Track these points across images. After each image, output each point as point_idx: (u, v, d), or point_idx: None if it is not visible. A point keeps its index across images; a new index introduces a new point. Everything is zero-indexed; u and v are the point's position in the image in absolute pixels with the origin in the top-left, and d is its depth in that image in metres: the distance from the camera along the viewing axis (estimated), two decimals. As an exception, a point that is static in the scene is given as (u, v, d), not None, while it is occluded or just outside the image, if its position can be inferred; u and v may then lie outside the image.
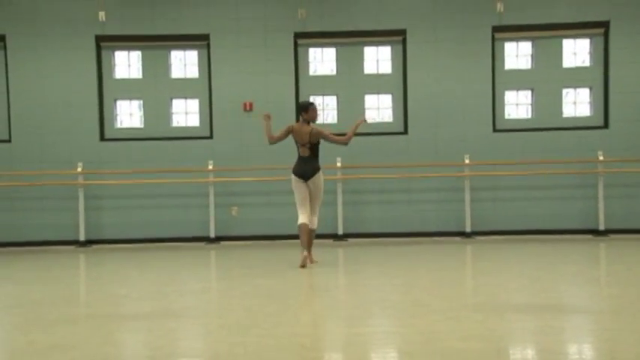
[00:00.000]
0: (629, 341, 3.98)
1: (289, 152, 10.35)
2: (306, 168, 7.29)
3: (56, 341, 4.23)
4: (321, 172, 7.35)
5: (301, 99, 10.66)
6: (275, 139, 7.49)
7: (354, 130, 7.43)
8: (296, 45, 10.66)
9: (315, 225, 7.40)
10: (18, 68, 10.54)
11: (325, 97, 10.84)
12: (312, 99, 10.77)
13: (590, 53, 10.62)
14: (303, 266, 7.12)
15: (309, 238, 7.29)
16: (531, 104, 10.74)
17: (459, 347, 3.86)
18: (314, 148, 7.36)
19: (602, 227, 10.17)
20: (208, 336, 4.39)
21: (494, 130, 10.56)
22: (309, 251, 7.29)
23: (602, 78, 10.55)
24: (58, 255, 9.48)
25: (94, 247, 10.32)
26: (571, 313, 4.83)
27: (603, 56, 10.53)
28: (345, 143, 7.53)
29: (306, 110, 7.38)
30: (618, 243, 9.43)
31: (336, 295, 5.77)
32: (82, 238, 10.33)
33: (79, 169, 10.32)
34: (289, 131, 7.43)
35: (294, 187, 7.35)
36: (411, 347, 3.96)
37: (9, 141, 10.58)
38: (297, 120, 7.67)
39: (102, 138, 10.67)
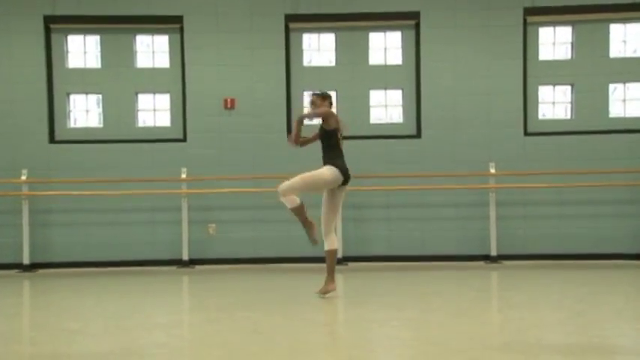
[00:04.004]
0: (687, 389, 3.98)
1: (277, 159, 10.41)
2: None
3: (-6, 386, 4.22)
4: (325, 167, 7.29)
5: (293, 94, 10.70)
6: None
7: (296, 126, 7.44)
8: (287, 30, 10.69)
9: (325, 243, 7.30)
10: (-49, 55, 10.57)
11: (322, 93, 10.87)
12: (305, 94, 10.80)
13: (643, 41, 10.70)
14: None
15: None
16: (571, 102, 10.78)
17: (483, 395, 3.86)
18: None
19: (656, 251, 10.22)
20: (179, 380, 4.39)
21: (526, 133, 10.59)
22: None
23: (657, 70, 10.64)
24: (-3, 281, 9.47)
25: (41, 271, 10.29)
26: (619, 355, 4.83)
27: (657, 45, 10.61)
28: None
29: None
30: (675, 270, 9.46)
31: (334, 332, 5.76)
32: (26, 260, 10.30)
33: (24, 178, 10.31)
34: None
35: None
36: (424, 395, 3.96)
37: (-61, 143, 10.58)
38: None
39: (51, 140, 10.66)
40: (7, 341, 5.59)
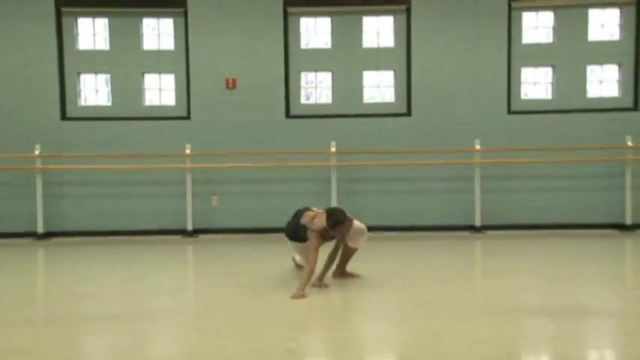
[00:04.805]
0: (654, 347, 4.05)
1: (275, 136, 10.44)
2: None
3: (12, 345, 4.27)
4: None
5: (291, 75, 10.67)
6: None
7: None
8: (286, 14, 10.65)
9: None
10: (-33, 37, 10.52)
11: (318, 74, 10.85)
12: (303, 75, 10.79)
13: (620, 25, 10.64)
14: None
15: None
16: (552, 83, 10.78)
17: (465, 352, 3.92)
18: None
19: (629, 221, 10.24)
20: (184, 340, 4.44)
21: (509, 111, 10.59)
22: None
23: (633, 53, 10.59)
24: (13, 249, 9.48)
25: (54, 240, 10.32)
26: (591, 316, 4.90)
27: (635, 29, 10.56)
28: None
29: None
30: (647, 240, 9.53)
31: (328, 296, 5.81)
32: (40, 229, 10.33)
33: (37, 152, 10.31)
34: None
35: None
36: (411, 352, 4.02)
37: (-43, 120, 10.57)
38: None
39: (63, 117, 10.64)
40: (24, 304, 5.64)
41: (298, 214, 6.43)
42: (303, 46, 10.81)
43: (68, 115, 10.67)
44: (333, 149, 10.23)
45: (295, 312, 5.19)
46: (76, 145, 10.48)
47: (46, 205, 10.39)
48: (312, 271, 5.82)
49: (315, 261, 5.91)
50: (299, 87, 10.76)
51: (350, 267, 6.65)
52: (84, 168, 10.43)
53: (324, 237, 6.11)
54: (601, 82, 10.76)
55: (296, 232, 6.31)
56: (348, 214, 6.18)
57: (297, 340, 4.34)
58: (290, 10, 10.62)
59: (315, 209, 6.45)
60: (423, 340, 4.24)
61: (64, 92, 10.66)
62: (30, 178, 10.38)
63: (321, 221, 6.09)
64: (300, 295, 5.53)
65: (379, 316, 5.00)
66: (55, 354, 4.06)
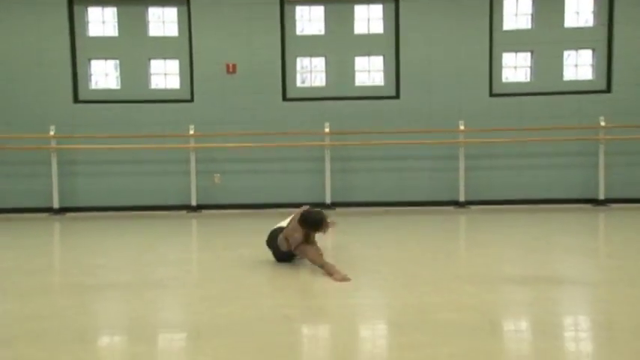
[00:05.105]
0: (626, 313, 4.06)
1: (273, 117, 10.40)
2: None
3: (30, 311, 4.27)
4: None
5: (287, 59, 10.60)
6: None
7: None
8: (282, 2, 10.56)
9: None
10: (-16, 25, 10.41)
11: (313, 59, 10.79)
12: (298, 60, 10.72)
13: (594, 12, 10.59)
14: None
15: None
16: (530, 67, 10.74)
17: (451, 319, 3.93)
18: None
19: (602, 197, 10.27)
20: (189, 307, 4.44)
21: (491, 94, 10.57)
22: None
23: (605, 39, 10.55)
24: (30, 222, 9.46)
25: (69, 214, 10.31)
26: (567, 284, 4.91)
27: (608, 15, 10.51)
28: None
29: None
30: (618, 213, 9.54)
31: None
32: (55, 205, 10.31)
33: (52, 133, 10.26)
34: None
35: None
36: (400, 319, 4.03)
37: (-24, 103, 10.49)
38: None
39: (75, 100, 10.58)
40: (41, 273, 5.63)
41: (274, 241, 5.88)
42: (298, 32, 10.74)
43: (80, 98, 10.61)
44: (327, 130, 10.20)
45: (292, 281, 5.19)
46: (87, 126, 10.44)
47: (60, 183, 10.37)
48: (326, 263, 5.36)
49: (323, 258, 5.48)
50: (295, 71, 10.70)
51: (339, 240, 6.65)
52: (95, 147, 10.39)
53: (310, 241, 5.68)
54: (576, 66, 10.73)
55: (290, 257, 5.89)
56: (303, 207, 5.92)
57: (295, 307, 4.34)
58: (286, -1, 10.53)
59: (283, 224, 5.99)
60: (411, 307, 4.24)
61: (76, 77, 10.60)
62: (46, 158, 10.35)
63: (297, 233, 5.61)
64: (343, 276, 5.09)
65: (371, 285, 5.00)
66: (71, 319, 4.06)
